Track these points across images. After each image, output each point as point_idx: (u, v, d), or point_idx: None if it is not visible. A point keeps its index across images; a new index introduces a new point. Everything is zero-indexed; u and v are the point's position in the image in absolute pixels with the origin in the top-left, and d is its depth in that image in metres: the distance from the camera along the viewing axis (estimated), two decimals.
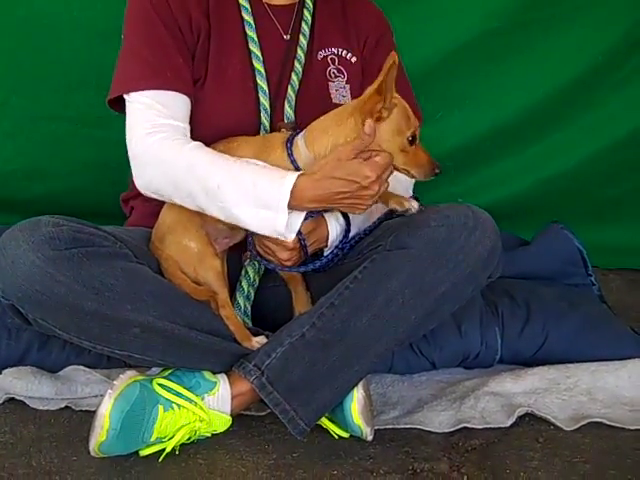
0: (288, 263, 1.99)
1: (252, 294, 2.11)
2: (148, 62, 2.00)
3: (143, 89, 1.98)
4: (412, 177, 1.93)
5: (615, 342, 2.29)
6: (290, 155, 1.92)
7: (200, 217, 2.00)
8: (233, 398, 1.92)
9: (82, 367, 2.15)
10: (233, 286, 2.09)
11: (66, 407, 2.05)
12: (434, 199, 2.28)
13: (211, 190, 1.89)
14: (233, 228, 2.02)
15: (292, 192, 1.84)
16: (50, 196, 2.90)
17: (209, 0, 2.09)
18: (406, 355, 2.24)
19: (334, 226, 2.01)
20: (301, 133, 1.95)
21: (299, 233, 1.92)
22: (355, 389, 1.93)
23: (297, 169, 1.91)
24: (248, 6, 2.13)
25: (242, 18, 2.12)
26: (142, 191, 2.03)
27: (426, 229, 1.88)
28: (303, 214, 1.90)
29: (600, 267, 2.92)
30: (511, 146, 3.07)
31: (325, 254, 2.03)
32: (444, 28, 2.94)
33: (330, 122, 1.92)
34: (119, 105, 2.04)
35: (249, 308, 2.09)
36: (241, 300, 2.07)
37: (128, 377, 1.85)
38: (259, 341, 1.96)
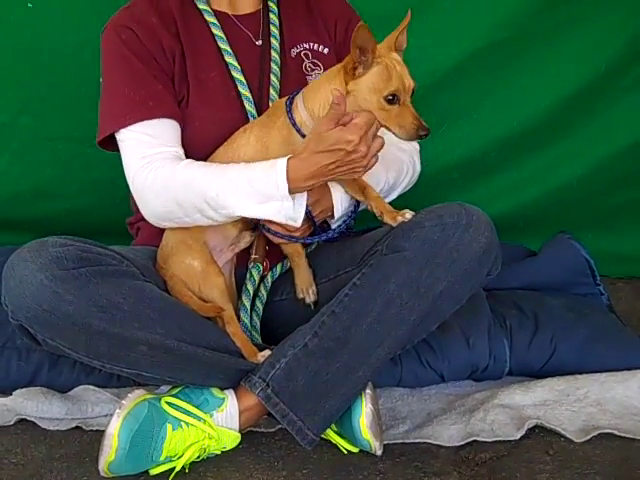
0: (297, 233, 2.03)
1: (261, 309, 2.12)
2: (129, 97, 2.05)
3: (129, 124, 2.03)
4: (396, 136, 1.90)
5: (624, 352, 2.28)
6: (289, 113, 1.96)
7: (204, 231, 2.03)
8: (241, 413, 1.93)
9: (92, 386, 2.16)
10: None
11: (77, 427, 2.05)
12: None
13: (212, 200, 1.93)
14: (240, 231, 2.07)
15: (287, 176, 1.88)
16: (57, 216, 2.91)
17: (177, 23, 2.14)
18: (414, 368, 2.24)
19: (339, 196, 2.04)
20: (300, 92, 1.99)
21: (305, 206, 1.96)
22: (364, 403, 1.94)
23: (296, 128, 1.95)
24: (215, 21, 2.18)
25: (212, 33, 2.16)
26: (153, 222, 2.08)
27: (420, 230, 1.90)
28: (305, 195, 1.94)
29: (609, 276, 2.92)
30: (517, 157, 3.06)
31: (333, 226, 2.08)
32: (449, 40, 2.93)
33: (323, 80, 1.97)
34: (110, 144, 2.10)
35: (258, 323, 2.11)
36: (245, 316, 2.08)
37: (137, 396, 1.86)
38: (265, 355, 1.98)
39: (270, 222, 2.02)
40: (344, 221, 2.09)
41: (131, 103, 2.05)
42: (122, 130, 2.04)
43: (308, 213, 2.01)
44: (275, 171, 1.90)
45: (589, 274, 2.58)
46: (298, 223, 1.95)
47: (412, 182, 2.26)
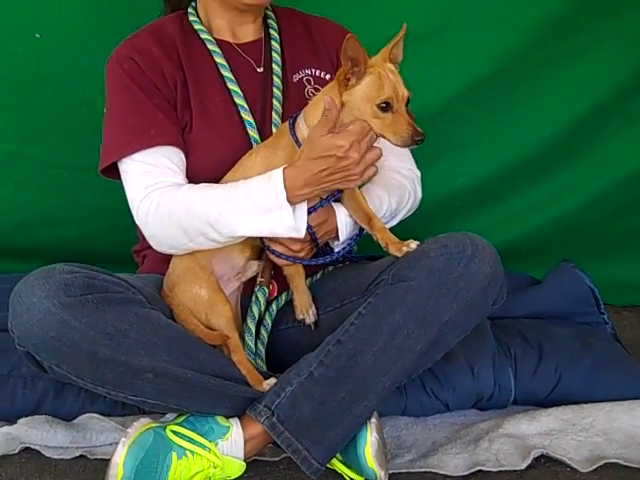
0: (301, 254, 2.04)
1: (265, 337, 2.13)
2: (131, 127, 2.08)
3: (131, 153, 2.06)
4: (392, 143, 1.91)
5: (630, 381, 2.28)
6: (292, 131, 1.98)
7: (211, 260, 2.04)
8: (246, 442, 1.93)
9: (97, 415, 2.15)
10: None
11: (81, 456, 2.05)
12: None
13: (215, 221, 1.95)
14: (247, 260, 2.07)
15: (284, 185, 1.90)
16: (64, 243, 2.92)
17: (179, 51, 2.18)
18: (419, 397, 2.24)
19: (343, 219, 2.06)
20: (302, 111, 2.02)
21: (309, 227, 1.98)
22: (369, 432, 1.94)
23: (299, 145, 1.97)
24: (217, 49, 2.20)
25: (214, 61, 2.19)
26: (160, 250, 2.09)
27: (425, 260, 1.91)
28: (305, 205, 1.96)
29: (613, 304, 2.92)
30: (520, 185, 3.07)
31: (336, 249, 2.09)
32: (451, 69, 2.95)
33: (320, 96, 2.00)
34: (113, 172, 2.12)
35: (263, 351, 2.12)
36: (249, 340, 2.09)
37: (142, 425, 1.86)
38: (270, 383, 1.98)
39: (274, 242, 2.03)
40: (348, 244, 2.10)
41: (133, 132, 2.07)
42: (124, 160, 2.07)
43: (312, 234, 2.02)
44: (273, 182, 1.92)
45: (593, 303, 2.58)
46: (302, 233, 1.96)
47: (413, 208, 2.27)
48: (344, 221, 2.07)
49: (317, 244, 2.06)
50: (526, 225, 3.09)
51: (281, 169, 1.93)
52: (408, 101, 1.92)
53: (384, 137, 1.91)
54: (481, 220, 3.08)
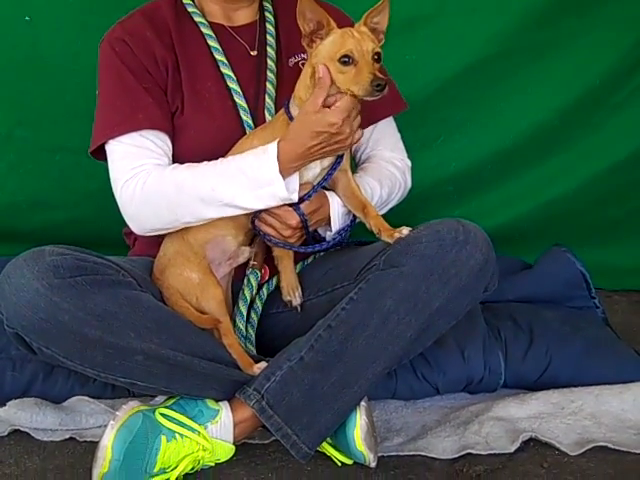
0: (291, 240, 2.06)
1: (256, 321, 2.13)
2: (120, 110, 2.08)
3: (117, 135, 2.06)
4: (356, 96, 1.91)
5: (619, 365, 2.28)
6: (286, 108, 2.01)
7: (204, 245, 2.04)
8: (235, 425, 1.93)
9: (86, 397, 2.15)
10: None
11: (70, 438, 2.05)
12: None
13: (207, 196, 1.96)
14: (239, 245, 2.08)
15: (278, 159, 1.92)
16: (54, 226, 2.92)
17: (172, 34, 2.17)
18: (410, 381, 2.24)
19: (336, 207, 2.07)
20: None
21: (302, 214, 2.00)
22: (358, 415, 1.94)
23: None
24: (211, 32, 2.19)
25: (208, 45, 2.18)
26: (140, 233, 2.12)
27: (417, 245, 1.91)
28: (297, 175, 1.98)
29: (605, 289, 2.94)
30: (512, 170, 3.07)
31: (328, 238, 2.11)
32: (444, 54, 2.95)
33: (305, 69, 2.02)
34: (103, 155, 2.12)
35: (252, 335, 2.12)
36: (240, 322, 2.09)
37: (131, 407, 1.86)
38: (261, 367, 1.98)
39: (266, 225, 2.05)
40: (340, 234, 2.11)
41: (121, 115, 2.08)
42: (111, 141, 2.08)
43: (304, 222, 2.03)
44: (267, 155, 1.93)
45: (584, 287, 2.58)
46: (294, 199, 1.97)
47: (402, 197, 2.30)
48: (337, 210, 2.08)
49: (308, 232, 2.07)
50: (518, 210, 3.10)
51: (276, 143, 1.94)
52: (379, 57, 1.92)
53: (349, 91, 1.90)
54: (474, 205, 3.09)
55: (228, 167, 1.98)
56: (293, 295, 2.12)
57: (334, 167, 2.03)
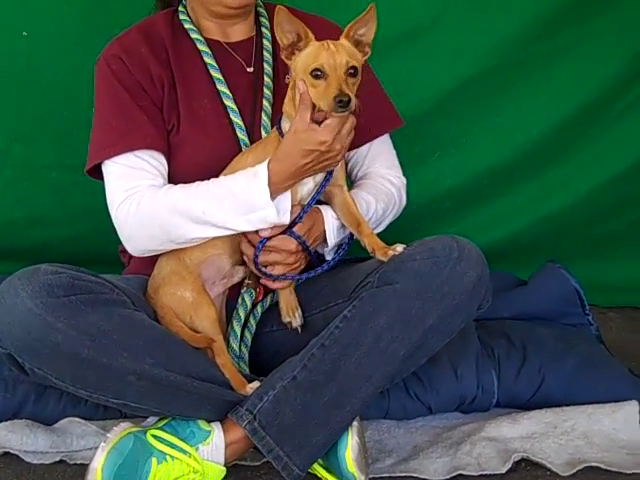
0: (298, 264, 2.05)
1: (249, 340, 2.13)
2: (115, 129, 2.09)
3: (112, 155, 2.06)
4: (323, 110, 1.89)
5: (612, 384, 2.28)
6: (278, 125, 2.01)
7: (199, 265, 2.05)
8: (227, 447, 1.92)
9: (78, 419, 2.15)
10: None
11: (60, 461, 2.04)
12: None
13: (199, 218, 1.96)
14: (234, 265, 2.08)
15: (268, 181, 1.91)
16: (51, 243, 2.92)
17: (168, 51, 2.17)
18: (402, 400, 2.24)
19: (330, 220, 2.07)
20: None
21: (298, 237, 1.99)
22: (350, 436, 1.94)
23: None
24: (207, 49, 2.20)
25: (204, 61, 2.18)
26: (135, 254, 2.11)
27: (411, 263, 1.91)
28: (288, 194, 1.97)
29: (599, 305, 2.93)
30: (508, 185, 3.08)
31: (328, 257, 2.10)
32: (440, 68, 2.96)
33: (290, 84, 2.01)
34: (98, 173, 2.12)
35: (246, 354, 2.12)
36: (234, 342, 2.09)
37: (122, 429, 1.86)
38: (253, 387, 1.98)
39: (270, 265, 2.04)
40: (343, 248, 2.10)
41: (116, 135, 2.08)
42: (106, 162, 2.08)
43: (303, 243, 2.03)
44: (258, 179, 1.93)
45: (578, 304, 2.58)
46: (285, 221, 1.97)
47: (397, 215, 2.29)
48: (332, 224, 2.07)
49: (309, 252, 2.06)
50: (514, 225, 3.10)
51: (266, 164, 1.93)
52: (355, 72, 1.89)
53: (318, 106, 1.89)
54: (470, 220, 3.10)
55: (220, 189, 1.98)
56: (293, 316, 2.11)
57: (323, 184, 2.02)
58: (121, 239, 2.10)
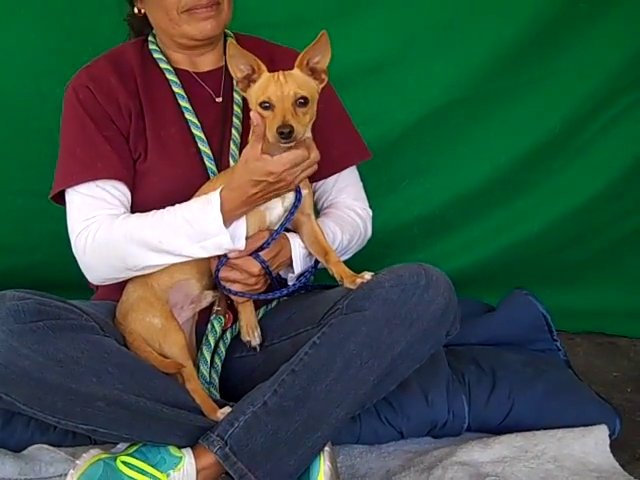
0: (257, 286, 2.06)
1: (219, 365, 2.12)
2: (79, 158, 2.10)
3: (74, 184, 2.08)
4: (270, 141, 1.90)
5: (580, 408, 2.30)
6: None
7: (166, 290, 2.04)
8: (199, 472, 1.91)
9: (46, 446, 2.12)
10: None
11: None
12: None
13: (155, 246, 1.98)
14: (203, 290, 2.09)
15: (221, 208, 1.93)
16: (17, 270, 2.90)
17: (137, 80, 2.18)
18: (374, 425, 2.24)
19: (298, 249, 2.08)
20: None
21: (263, 261, 2.01)
22: (322, 461, 1.93)
23: None
24: (176, 79, 2.21)
25: (173, 90, 2.19)
26: (95, 283, 2.14)
27: (380, 290, 1.92)
28: (243, 221, 1.98)
29: (567, 331, 2.97)
30: (475, 213, 3.11)
31: (291, 283, 2.12)
32: (407, 100, 3.00)
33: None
34: (63, 199, 2.13)
35: (216, 379, 2.11)
36: (204, 369, 2.08)
37: (91, 456, 1.85)
38: (224, 412, 1.97)
39: (230, 282, 2.05)
40: (304, 276, 2.12)
41: (80, 164, 2.09)
42: (69, 190, 2.09)
43: (266, 268, 2.04)
44: (211, 207, 1.94)
45: (546, 330, 2.60)
46: (240, 248, 1.98)
47: (361, 246, 2.31)
48: (299, 252, 2.09)
49: (272, 277, 2.08)
50: (481, 252, 3.13)
51: (218, 192, 1.95)
52: (305, 102, 1.90)
53: (266, 138, 1.90)
54: (438, 247, 3.13)
55: (175, 217, 1.99)
56: (252, 335, 2.11)
57: (292, 210, 2.03)
58: (81, 268, 2.11)
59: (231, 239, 1.96)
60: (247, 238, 2.00)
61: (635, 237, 3.12)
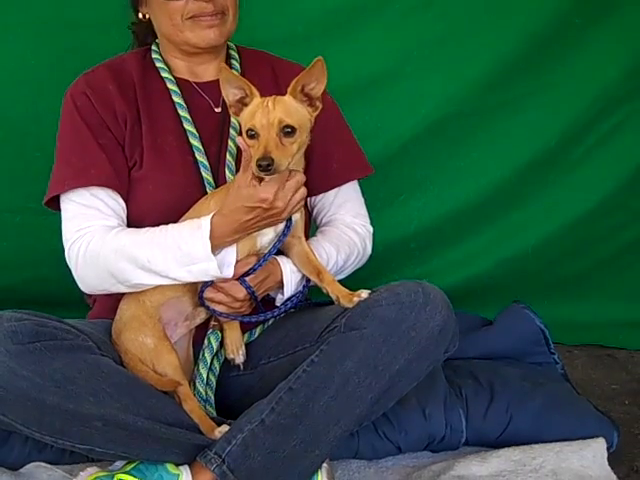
0: (242, 309, 2.05)
1: (214, 382, 2.11)
2: (74, 165, 2.10)
3: (67, 190, 2.08)
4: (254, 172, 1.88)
5: (578, 421, 2.29)
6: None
7: (159, 308, 2.04)
8: None
9: (44, 464, 2.12)
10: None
11: None
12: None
13: (144, 266, 1.97)
14: (196, 307, 2.07)
15: (211, 234, 1.91)
16: (14, 287, 2.90)
17: (136, 88, 2.19)
18: (372, 440, 2.23)
19: (289, 274, 2.07)
20: None
21: (248, 287, 1.99)
22: (319, 478, 1.94)
23: None
24: (176, 88, 2.21)
25: (172, 100, 2.20)
26: (87, 292, 2.13)
27: (377, 308, 1.92)
28: (234, 248, 1.97)
29: (564, 344, 2.97)
30: (472, 227, 3.12)
31: (279, 303, 2.10)
32: (404, 114, 3.01)
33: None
34: (58, 205, 2.13)
35: (212, 397, 2.10)
36: (200, 385, 2.07)
37: (89, 474, 1.86)
38: (222, 431, 1.96)
39: (215, 303, 2.04)
40: (291, 300, 2.10)
41: (74, 170, 2.09)
42: (63, 198, 2.09)
43: (251, 294, 2.02)
44: (201, 232, 1.93)
45: (544, 343, 2.60)
46: (228, 275, 1.97)
47: (360, 264, 2.28)
48: (290, 277, 2.08)
49: (257, 302, 2.07)
50: (478, 266, 3.14)
51: (209, 218, 1.94)
52: (292, 131, 1.86)
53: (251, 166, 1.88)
54: (435, 261, 3.13)
55: (165, 238, 1.98)
56: (236, 353, 2.10)
57: (284, 234, 2.02)
58: (74, 277, 2.10)
59: (219, 266, 1.95)
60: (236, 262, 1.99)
61: (632, 250, 3.13)
